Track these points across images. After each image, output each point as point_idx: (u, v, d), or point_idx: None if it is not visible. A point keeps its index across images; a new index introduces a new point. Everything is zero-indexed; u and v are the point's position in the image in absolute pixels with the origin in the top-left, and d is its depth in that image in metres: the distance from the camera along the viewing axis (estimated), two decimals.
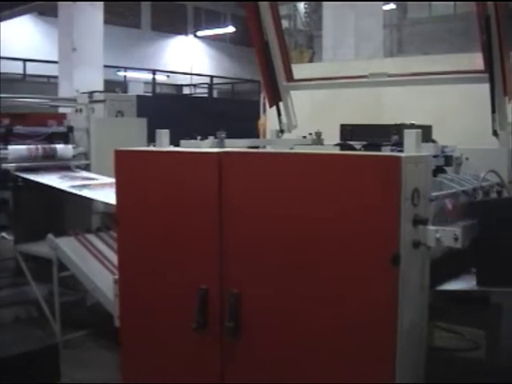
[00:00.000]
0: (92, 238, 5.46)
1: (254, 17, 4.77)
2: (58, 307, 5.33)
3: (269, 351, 2.89)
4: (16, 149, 5.88)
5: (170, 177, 3.18)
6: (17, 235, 6.22)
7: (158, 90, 21.86)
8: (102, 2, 15.14)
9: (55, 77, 15.64)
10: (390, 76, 4.65)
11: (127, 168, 3.37)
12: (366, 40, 11.44)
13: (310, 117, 5.12)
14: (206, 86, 22.61)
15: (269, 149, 4.50)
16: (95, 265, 5.11)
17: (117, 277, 3.51)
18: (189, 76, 24.10)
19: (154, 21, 26.10)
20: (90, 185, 5.67)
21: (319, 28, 15.80)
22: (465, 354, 4.83)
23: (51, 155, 6.14)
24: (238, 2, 10.62)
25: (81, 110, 6.46)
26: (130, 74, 22.55)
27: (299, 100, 5.02)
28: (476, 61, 4.11)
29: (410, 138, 2.81)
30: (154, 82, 20.99)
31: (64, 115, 6.73)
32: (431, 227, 2.61)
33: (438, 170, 3.43)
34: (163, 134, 3.54)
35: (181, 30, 27.14)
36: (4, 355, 4.33)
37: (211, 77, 22.47)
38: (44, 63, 17.63)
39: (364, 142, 3.86)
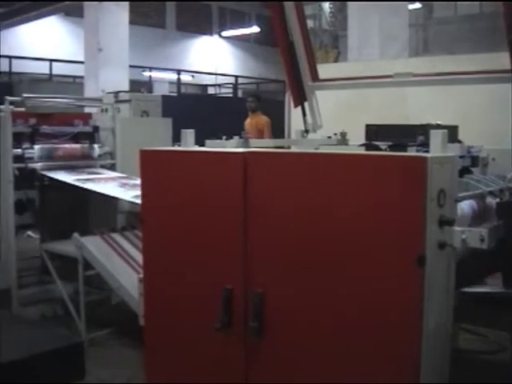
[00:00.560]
0: (117, 237, 5.49)
1: (278, 17, 4.77)
2: (83, 306, 5.37)
3: (293, 351, 2.88)
4: (42, 148, 5.93)
5: (194, 176, 3.18)
6: (43, 234, 6.30)
7: (182, 90, 21.91)
8: (127, 3, 15.24)
9: (81, 77, 15.79)
10: (415, 76, 4.62)
11: (152, 168, 3.38)
12: (392, 40, 11.39)
13: (335, 117, 5.11)
14: (231, 85, 22.60)
15: (294, 149, 4.50)
16: (120, 263, 5.14)
17: (141, 276, 3.51)
18: (213, 76, 24.14)
19: (178, 21, 26.22)
20: (94, 179, 5.72)
21: (344, 28, 15.78)
22: (489, 357, 4.79)
23: (78, 155, 6.19)
24: (263, 2, 10.61)
25: (106, 110, 6.48)
26: (155, 74, 22.66)
27: (324, 100, 5.01)
28: (502, 60, 4.07)
29: (436, 138, 2.78)
30: (178, 82, 21.05)
31: (90, 115, 6.75)
32: (457, 228, 2.58)
33: (464, 171, 3.41)
34: (188, 134, 3.53)
35: (205, 30, 27.23)
36: (31, 353, 4.38)
37: (236, 77, 22.46)
38: (70, 63, 17.78)
39: (389, 143, 3.84)
